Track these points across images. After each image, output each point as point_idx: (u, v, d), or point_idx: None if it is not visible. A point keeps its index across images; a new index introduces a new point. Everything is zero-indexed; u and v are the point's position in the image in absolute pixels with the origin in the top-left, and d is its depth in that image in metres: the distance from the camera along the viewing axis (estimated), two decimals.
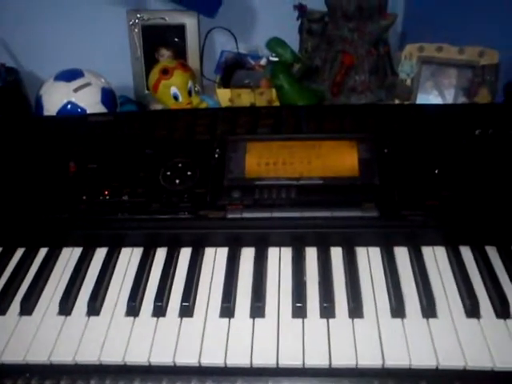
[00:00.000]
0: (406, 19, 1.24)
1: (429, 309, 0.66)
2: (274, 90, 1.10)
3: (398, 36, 1.26)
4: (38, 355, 0.64)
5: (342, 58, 1.13)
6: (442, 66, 1.07)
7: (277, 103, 1.11)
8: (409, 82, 1.11)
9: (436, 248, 0.75)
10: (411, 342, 0.62)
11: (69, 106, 1.05)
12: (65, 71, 1.09)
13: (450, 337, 0.63)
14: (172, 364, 0.63)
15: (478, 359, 0.60)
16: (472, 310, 0.65)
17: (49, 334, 0.66)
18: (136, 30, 1.21)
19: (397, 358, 0.61)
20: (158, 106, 1.18)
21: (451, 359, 0.60)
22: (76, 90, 1.05)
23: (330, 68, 1.16)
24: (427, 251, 0.75)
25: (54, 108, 1.05)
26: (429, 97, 1.09)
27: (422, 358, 0.61)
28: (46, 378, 0.62)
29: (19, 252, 0.79)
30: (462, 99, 1.06)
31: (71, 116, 1.02)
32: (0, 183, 0.82)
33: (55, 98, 1.06)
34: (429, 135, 0.82)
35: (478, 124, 0.83)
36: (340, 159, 0.80)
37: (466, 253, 0.74)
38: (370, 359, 0.61)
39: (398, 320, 0.65)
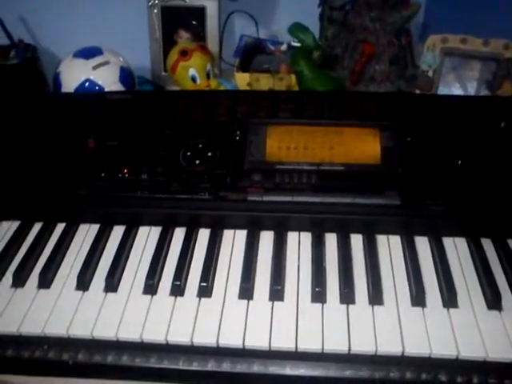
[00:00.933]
0: (429, 9, 1.23)
1: (450, 299, 0.65)
2: (293, 76, 1.09)
3: (419, 26, 1.24)
4: (56, 328, 0.64)
5: (362, 47, 1.12)
6: (465, 58, 1.06)
7: (296, 89, 1.10)
8: (430, 73, 1.09)
9: (457, 239, 0.75)
10: (432, 331, 0.62)
11: (87, 84, 1.04)
12: (84, 49, 1.08)
13: (471, 328, 0.62)
14: (189, 343, 0.62)
15: (499, 351, 0.60)
16: (493, 302, 0.65)
17: (67, 307, 0.66)
18: (155, 11, 1.20)
19: (417, 347, 0.60)
20: (176, 88, 1.17)
21: (472, 350, 0.60)
22: (94, 68, 1.04)
23: (349, 56, 1.15)
24: (448, 242, 0.74)
25: (72, 85, 1.04)
26: (450, 89, 1.08)
27: (443, 348, 0.60)
28: (64, 350, 0.62)
29: (37, 226, 0.79)
30: (484, 92, 1.05)
31: (90, 93, 1.02)
32: (20, 159, 0.82)
33: (73, 76, 1.05)
34: (453, 126, 0.81)
35: (503, 117, 0.81)
36: (362, 146, 0.79)
37: (488, 245, 0.73)
38: (389, 346, 0.61)
39: (419, 309, 0.65)
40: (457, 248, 0.73)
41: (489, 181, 0.75)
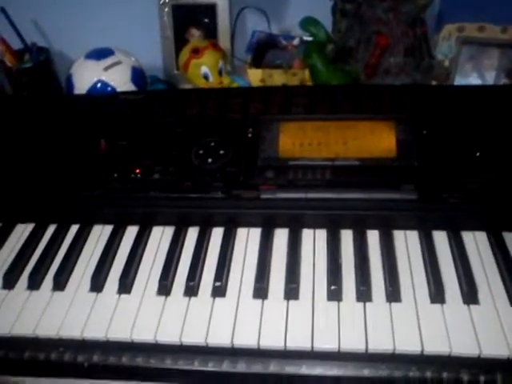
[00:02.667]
0: None
1: (470, 295, 0.63)
2: (306, 71, 1.07)
3: (434, 16, 1.21)
4: (71, 330, 0.64)
5: (376, 39, 1.10)
6: (482, 46, 1.03)
7: (309, 84, 1.08)
8: (447, 63, 1.07)
9: (477, 233, 0.72)
10: (452, 329, 0.60)
11: (99, 85, 1.04)
12: (95, 50, 1.08)
13: (493, 325, 0.60)
14: (204, 344, 0.62)
15: None
16: None
17: (81, 309, 0.66)
18: (166, 10, 1.20)
19: (437, 345, 0.59)
20: (188, 86, 1.16)
21: (494, 348, 0.58)
22: (106, 69, 1.05)
23: (363, 49, 1.12)
24: (467, 236, 0.72)
25: (85, 86, 1.04)
26: (468, 79, 1.05)
27: (464, 346, 0.58)
28: (79, 353, 0.62)
29: (51, 228, 0.79)
30: (503, 81, 1.02)
31: (102, 94, 1.02)
32: (33, 161, 0.82)
33: (85, 77, 1.05)
34: (470, 117, 0.79)
35: None
36: (377, 140, 0.78)
37: (510, 239, 0.71)
38: (408, 345, 0.59)
39: (438, 306, 0.63)
40: (477, 242, 0.71)
41: (509, 172, 0.73)
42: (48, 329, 0.64)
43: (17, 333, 0.64)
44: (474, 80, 1.05)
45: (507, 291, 0.64)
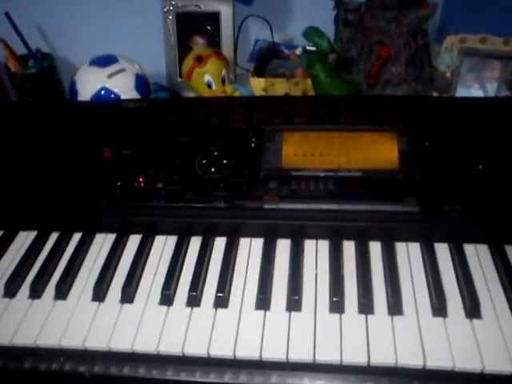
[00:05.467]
0: (446, 9, 1.20)
1: (473, 309, 0.63)
2: (309, 80, 1.08)
3: (436, 27, 1.22)
4: (73, 340, 0.63)
5: (378, 50, 1.10)
6: (484, 58, 1.03)
7: (312, 93, 1.08)
8: (448, 74, 1.07)
9: (479, 246, 0.72)
10: (454, 343, 0.60)
11: (103, 92, 1.04)
12: (99, 57, 1.09)
13: (496, 340, 0.60)
14: (206, 355, 0.62)
15: None
16: None
17: (83, 319, 0.66)
18: (170, 17, 1.20)
19: (439, 359, 0.59)
20: (191, 94, 1.17)
21: (497, 363, 0.58)
22: (110, 76, 1.05)
23: (365, 59, 1.13)
24: (469, 249, 0.72)
25: (88, 93, 1.05)
26: (469, 90, 1.05)
27: (466, 361, 0.58)
28: (80, 363, 0.62)
29: (54, 236, 0.79)
30: (505, 93, 1.02)
31: (106, 101, 1.02)
32: (35, 168, 0.82)
33: (89, 84, 1.05)
34: (472, 129, 0.79)
35: None
36: (380, 151, 0.78)
37: (511, 252, 0.71)
38: (410, 358, 0.59)
39: (440, 319, 0.63)
40: (479, 255, 0.71)
41: (511, 185, 0.73)
42: (49, 338, 0.64)
43: (18, 342, 0.64)
44: (475, 91, 1.05)
45: (510, 305, 0.64)
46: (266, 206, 0.74)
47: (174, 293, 0.69)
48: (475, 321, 0.63)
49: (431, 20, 1.12)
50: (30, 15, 1.21)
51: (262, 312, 0.65)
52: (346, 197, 0.74)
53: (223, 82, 1.12)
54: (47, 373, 0.62)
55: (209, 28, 1.22)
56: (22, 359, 0.63)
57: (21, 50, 1.15)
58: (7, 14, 1.11)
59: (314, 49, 1.04)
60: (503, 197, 0.72)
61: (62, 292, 0.69)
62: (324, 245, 0.74)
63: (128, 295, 0.68)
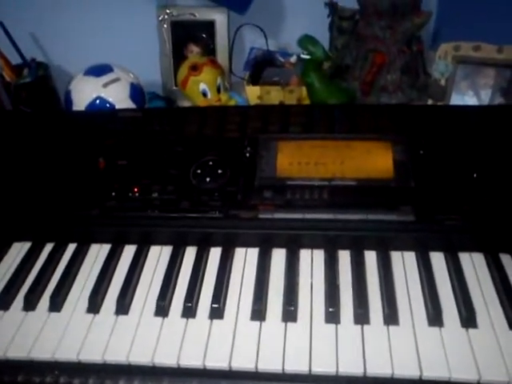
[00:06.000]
0: (440, 17, 1.21)
1: (469, 318, 0.63)
2: (303, 88, 1.08)
3: (430, 34, 1.22)
4: (67, 353, 0.63)
5: (373, 57, 1.10)
6: (478, 65, 1.04)
7: (306, 101, 1.09)
8: (443, 82, 1.08)
9: (474, 255, 0.73)
10: (450, 353, 0.60)
11: (98, 101, 1.04)
12: (94, 66, 1.09)
13: (492, 349, 0.60)
14: (201, 367, 0.61)
15: None
16: None
17: (77, 331, 0.65)
18: (165, 26, 1.20)
19: (435, 369, 0.58)
20: (187, 103, 1.17)
21: (494, 373, 0.58)
22: (105, 85, 1.05)
23: (360, 67, 1.13)
24: (465, 257, 0.72)
25: (83, 103, 1.05)
26: (464, 97, 1.06)
27: (463, 371, 0.58)
28: (75, 376, 0.61)
29: (48, 247, 0.78)
30: (499, 100, 1.02)
31: (100, 111, 1.02)
32: (29, 178, 0.82)
33: (84, 93, 1.05)
34: (467, 137, 0.80)
35: None
36: (374, 160, 0.78)
37: (507, 261, 0.71)
38: (406, 369, 0.59)
39: (436, 329, 0.63)
40: (474, 264, 0.71)
41: (506, 194, 0.73)
42: (43, 351, 0.63)
43: (11, 355, 0.64)
44: (469, 99, 1.05)
45: (505, 314, 0.64)
46: (261, 216, 0.74)
47: (169, 304, 0.68)
48: (471, 330, 0.62)
49: (426, 27, 1.12)
50: (25, 24, 1.21)
51: (257, 323, 0.65)
52: (340, 206, 0.74)
53: (218, 90, 1.12)
54: None
55: (204, 36, 1.22)
56: (15, 372, 0.62)
57: (15, 59, 1.14)
58: (1, 24, 1.11)
59: (308, 57, 1.05)
60: (498, 205, 0.72)
61: (56, 304, 0.69)
62: (319, 254, 0.74)
63: (123, 307, 0.68)
